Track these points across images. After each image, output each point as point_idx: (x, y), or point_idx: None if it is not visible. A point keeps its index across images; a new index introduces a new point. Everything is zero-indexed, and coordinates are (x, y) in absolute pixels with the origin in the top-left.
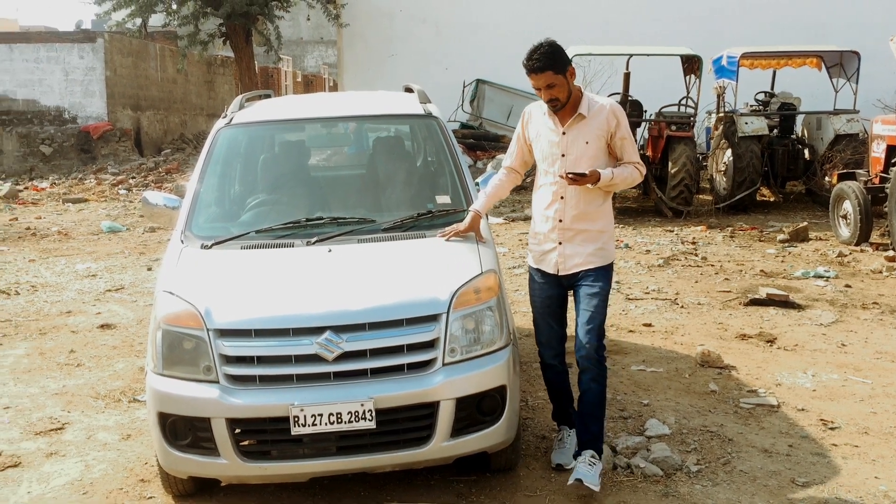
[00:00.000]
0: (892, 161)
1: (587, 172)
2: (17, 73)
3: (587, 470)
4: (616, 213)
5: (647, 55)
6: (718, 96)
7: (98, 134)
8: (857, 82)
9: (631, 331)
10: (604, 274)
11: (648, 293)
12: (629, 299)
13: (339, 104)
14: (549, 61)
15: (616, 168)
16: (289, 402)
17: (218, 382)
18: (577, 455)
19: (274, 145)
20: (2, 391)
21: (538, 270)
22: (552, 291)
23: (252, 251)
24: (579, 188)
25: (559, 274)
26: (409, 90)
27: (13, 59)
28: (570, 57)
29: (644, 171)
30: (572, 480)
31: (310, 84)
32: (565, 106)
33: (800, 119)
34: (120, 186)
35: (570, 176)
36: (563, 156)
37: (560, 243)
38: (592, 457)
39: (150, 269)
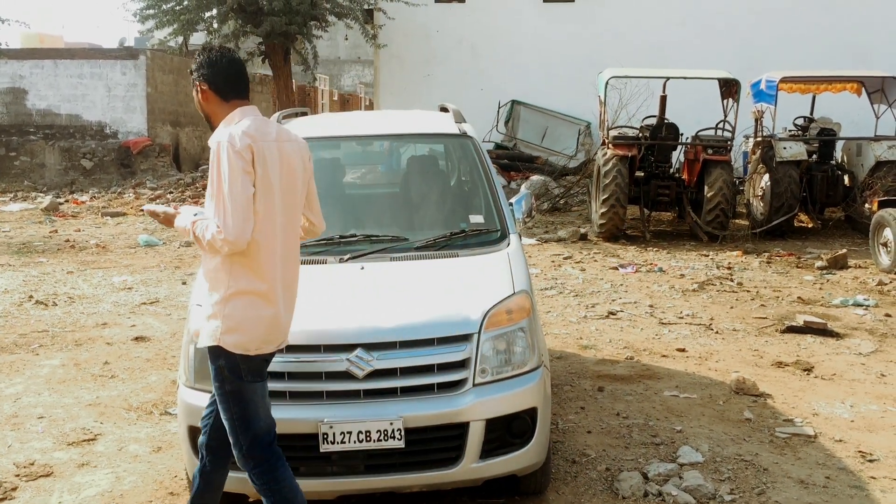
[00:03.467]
0: None
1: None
2: (61, 88)
3: None
4: (651, 235)
5: (685, 78)
6: (756, 120)
7: (138, 149)
8: None
9: (664, 355)
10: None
11: (682, 318)
12: (662, 323)
13: (374, 122)
14: None
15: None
16: (318, 419)
17: None
18: None
19: None
20: (36, 401)
21: None
22: None
23: None
24: None
25: None
26: (444, 110)
27: (58, 75)
28: (607, 78)
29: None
30: None
31: (346, 103)
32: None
33: (839, 145)
34: (157, 201)
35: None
36: None
37: None
38: None
39: (184, 283)
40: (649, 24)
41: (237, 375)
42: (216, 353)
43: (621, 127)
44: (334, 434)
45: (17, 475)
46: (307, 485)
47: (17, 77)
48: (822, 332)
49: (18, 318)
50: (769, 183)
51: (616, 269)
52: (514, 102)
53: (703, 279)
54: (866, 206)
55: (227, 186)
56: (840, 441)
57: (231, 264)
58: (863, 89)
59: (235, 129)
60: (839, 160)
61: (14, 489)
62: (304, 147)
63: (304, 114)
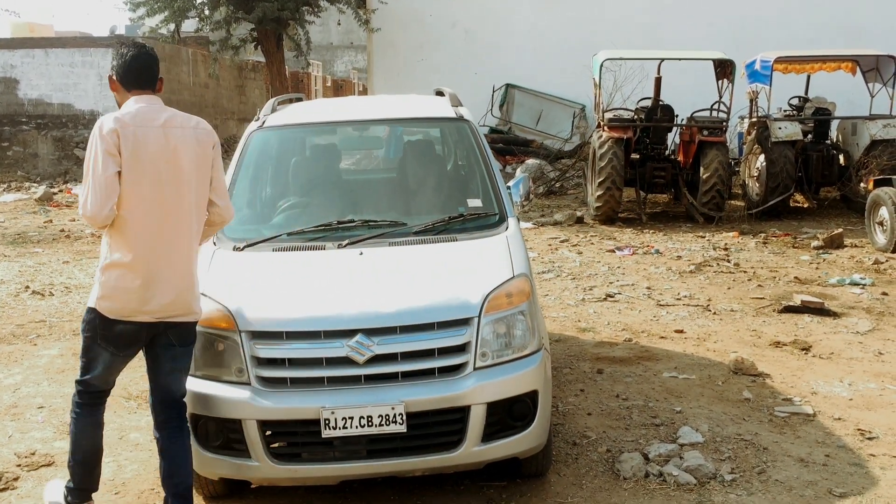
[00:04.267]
0: None
1: None
2: (52, 77)
3: None
4: (647, 217)
5: (679, 59)
6: (751, 101)
7: None
8: (893, 87)
9: (662, 337)
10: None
11: (680, 299)
12: (660, 305)
13: (370, 107)
14: None
15: None
16: (320, 405)
17: (249, 384)
18: None
19: (305, 148)
20: (36, 391)
21: None
22: None
23: (284, 253)
24: None
25: None
26: (440, 94)
27: (49, 64)
28: (601, 61)
29: None
30: None
31: (339, 89)
32: None
33: (835, 124)
34: None
35: None
36: None
37: None
38: None
39: None
40: (643, 6)
41: (93, 332)
42: (90, 311)
43: (616, 109)
44: (336, 420)
45: (19, 465)
46: (309, 470)
47: (7, 67)
48: (819, 311)
49: (15, 309)
50: (765, 163)
51: (613, 251)
52: (508, 86)
53: (699, 260)
54: (862, 185)
55: (91, 166)
56: (839, 419)
57: (108, 237)
58: (857, 68)
59: (110, 115)
60: (834, 139)
61: (16, 479)
62: (205, 133)
63: (300, 100)
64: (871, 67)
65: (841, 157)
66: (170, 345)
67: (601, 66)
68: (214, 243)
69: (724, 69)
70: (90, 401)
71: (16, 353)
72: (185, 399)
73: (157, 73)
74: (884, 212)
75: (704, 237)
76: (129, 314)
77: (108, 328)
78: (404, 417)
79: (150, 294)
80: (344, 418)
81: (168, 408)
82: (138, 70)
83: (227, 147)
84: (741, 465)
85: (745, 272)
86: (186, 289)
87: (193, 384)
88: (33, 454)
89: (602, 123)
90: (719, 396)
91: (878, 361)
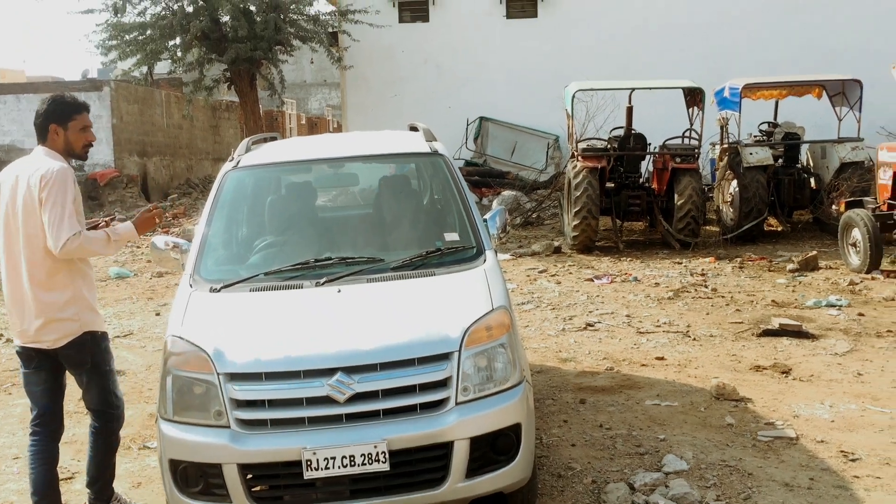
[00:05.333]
0: None
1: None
2: (24, 122)
3: None
4: (624, 245)
5: (650, 88)
6: (722, 127)
7: (105, 181)
8: (860, 110)
9: (644, 364)
10: None
11: (660, 326)
12: (640, 332)
13: (344, 144)
14: None
15: None
16: (301, 446)
17: (229, 427)
18: None
19: (281, 187)
20: (11, 441)
21: (107, 333)
22: None
23: (261, 293)
24: None
25: None
26: (413, 129)
27: (21, 110)
28: (573, 92)
29: None
30: None
31: (314, 126)
32: None
33: (804, 148)
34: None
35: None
36: None
37: None
38: None
39: (158, 315)
40: (612, 37)
41: None
42: None
43: (590, 139)
44: (318, 460)
45: None
46: None
47: None
48: (797, 334)
49: None
50: (737, 188)
51: (591, 280)
52: (482, 119)
53: (677, 287)
54: (833, 207)
55: None
56: (822, 442)
57: None
58: (824, 93)
59: None
60: (805, 163)
61: None
62: (35, 178)
63: (274, 138)
64: (838, 91)
65: (812, 181)
66: (67, 367)
67: (573, 97)
68: (191, 285)
69: (693, 97)
70: (32, 428)
71: None
72: (100, 408)
73: (44, 126)
74: (856, 233)
75: (681, 263)
76: (17, 339)
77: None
78: (387, 456)
79: (19, 322)
80: (326, 458)
81: (91, 415)
82: (36, 126)
83: (203, 187)
84: (726, 491)
85: (722, 297)
86: (47, 317)
87: (171, 429)
88: None
89: (576, 154)
90: (702, 423)
91: (858, 382)
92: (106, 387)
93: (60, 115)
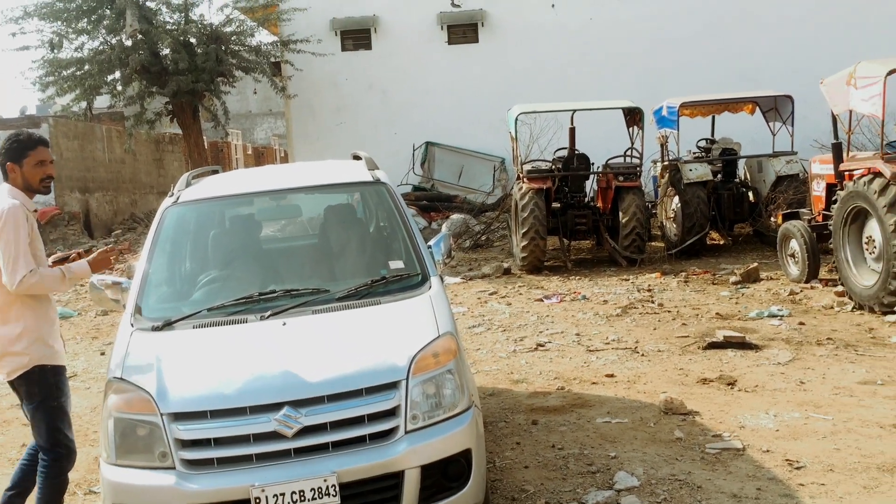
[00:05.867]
0: (833, 199)
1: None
2: None
3: None
4: (572, 264)
5: (590, 109)
6: (662, 145)
7: (46, 219)
8: (792, 125)
9: (594, 382)
10: None
11: (609, 343)
12: (590, 351)
13: (287, 176)
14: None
15: None
16: (249, 484)
17: (174, 468)
18: None
19: (224, 221)
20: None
21: (62, 368)
22: None
23: (205, 330)
24: None
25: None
26: (357, 157)
27: None
28: (516, 115)
29: None
30: None
31: (261, 156)
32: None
33: (741, 163)
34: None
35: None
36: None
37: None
38: None
39: (103, 354)
40: (553, 59)
41: None
42: None
43: (534, 161)
44: (267, 497)
45: None
46: None
47: None
48: (741, 345)
49: None
50: (679, 204)
51: (541, 300)
52: (428, 144)
53: (625, 303)
54: (772, 219)
55: None
56: (767, 451)
57: None
58: (757, 109)
59: None
60: (742, 178)
61: None
62: None
63: (216, 171)
64: (771, 107)
65: (750, 194)
66: (20, 400)
67: (516, 119)
68: (132, 324)
69: (633, 116)
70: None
71: None
72: (46, 446)
73: (1, 165)
74: (794, 244)
75: (628, 280)
76: None
77: None
78: (337, 489)
79: None
80: (275, 495)
81: (40, 451)
82: None
83: (148, 222)
84: None
85: (669, 312)
86: (2, 350)
87: (114, 474)
88: None
89: (521, 175)
90: (652, 438)
91: (801, 391)
92: (52, 424)
93: (15, 153)
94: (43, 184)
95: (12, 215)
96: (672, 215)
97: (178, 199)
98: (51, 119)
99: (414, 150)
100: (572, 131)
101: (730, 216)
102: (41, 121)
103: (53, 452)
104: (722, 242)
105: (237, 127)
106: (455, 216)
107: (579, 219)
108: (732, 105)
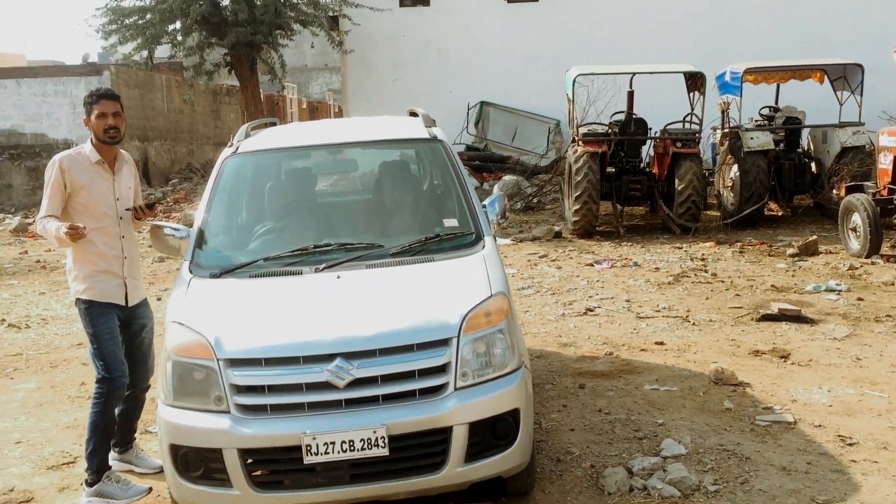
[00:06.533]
0: None
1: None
2: (25, 107)
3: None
4: (624, 230)
5: (651, 73)
6: (723, 112)
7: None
8: (861, 95)
9: (643, 349)
10: (149, 305)
11: (659, 311)
12: (640, 318)
13: (344, 130)
14: (118, 95)
15: None
16: (301, 431)
17: (229, 412)
18: (123, 451)
19: (280, 173)
20: (13, 425)
21: (108, 304)
22: (118, 323)
23: (260, 279)
24: (131, 228)
25: (128, 305)
26: (413, 114)
27: (21, 94)
28: (574, 76)
29: None
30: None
31: (315, 110)
32: (118, 142)
33: (805, 133)
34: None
35: (142, 209)
36: (118, 199)
37: (126, 278)
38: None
39: (159, 300)
40: (613, 21)
41: None
42: None
43: (590, 124)
44: (317, 445)
45: None
46: (292, 497)
47: None
48: (796, 318)
49: None
50: (738, 173)
51: (591, 265)
52: (483, 104)
53: (677, 272)
54: (834, 192)
55: None
56: (819, 426)
57: None
58: (825, 77)
59: None
60: (805, 148)
61: None
62: None
63: (273, 124)
64: (839, 76)
65: (813, 165)
66: None
67: (574, 81)
68: (191, 271)
69: (694, 81)
70: None
71: None
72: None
73: None
74: (856, 218)
75: (681, 248)
76: None
77: None
78: (386, 441)
79: None
80: (325, 444)
81: None
82: None
83: (204, 172)
84: (724, 475)
85: (722, 282)
86: None
87: (172, 414)
88: (11, 490)
89: (577, 138)
90: (701, 407)
91: (856, 367)
92: (93, 352)
93: (86, 108)
94: (107, 134)
95: (51, 165)
96: (730, 184)
97: (237, 149)
98: (112, 67)
99: (468, 110)
100: (630, 95)
101: (790, 187)
102: (103, 69)
103: (96, 380)
104: (780, 214)
105: (293, 81)
106: (507, 177)
107: (634, 184)
108: (799, 72)
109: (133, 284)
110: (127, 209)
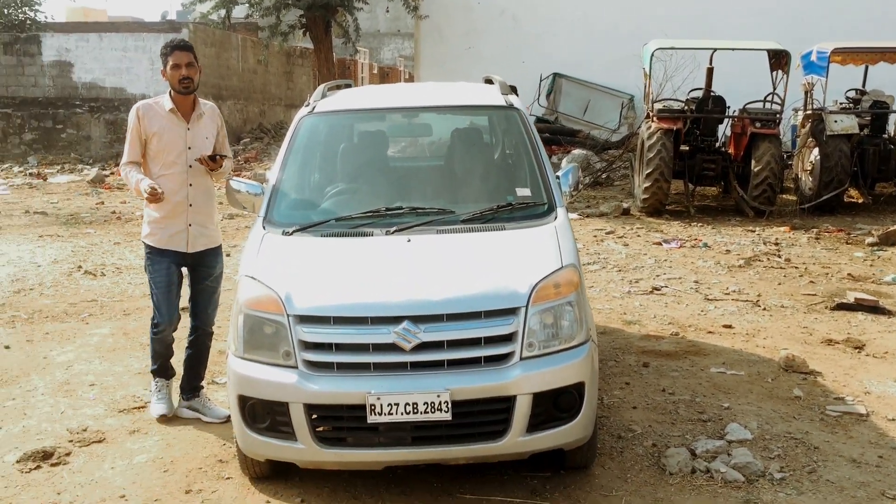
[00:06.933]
0: None
1: (217, 158)
2: (105, 61)
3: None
4: (695, 210)
5: (733, 49)
6: (806, 93)
7: None
8: None
9: (710, 332)
10: (221, 253)
11: (729, 294)
12: (708, 300)
13: (419, 94)
14: (192, 46)
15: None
16: (366, 391)
17: (297, 368)
18: (189, 398)
19: (354, 134)
20: (88, 368)
21: (167, 251)
22: (177, 270)
23: (332, 239)
24: (202, 177)
25: (188, 252)
26: (489, 81)
27: (102, 49)
28: (652, 50)
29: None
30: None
31: (385, 76)
32: (194, 93)
33: (893, 118)
34: None
35: (206, 160)
36: (189, 148)
37: (190, 225)
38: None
39: (228, 255)
40: None
41: None
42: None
43: (666, 100)
44: (381, 405)
45: (71, 441)
46: (354, 455)
47: (63, 50)
48: (873, 309)
49: (68, 288)
50: (819, 157)
51: (660, 244)
52: (555, 75)
53: (749, 255)
54: None
55: None
56: (893, 420)
57: None
58: None
59: None
60: (892, 134)
61: (68, 454)
62: None
63: (349, 86)
64: None
65: None
66: None
67: (652, 55)
68: (264, 227)
69: (778, 60)
70: None
71: (68, 331)
72: None
73: None
74: None
75: (754, 231)
76: None
77: None
78: (449, 405)
79: None
80: (389, 404)
81: None
82: None
83: (275, 133)
84: (791, 463)
85: (796, 268)
86: None
87: (241, 366)
88: (85, 430)
89: (651, 114)
90: (769, 394)
91: None
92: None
93: (161, 58)
94: (182, 84)
95: (131, 113)
96: (809, 168)
97: (313, 109)
98: (190, 25)
99: (541, 81)
100: (710, 71)
101: (873, 174)
102: (181, 26)
103: (151, 318)
104: (860, 201)
105: (365, 46)
106: (576, 151)
107: (708, 164)
108: (889, 54)
109: (197, 231)
110: (197, 159)
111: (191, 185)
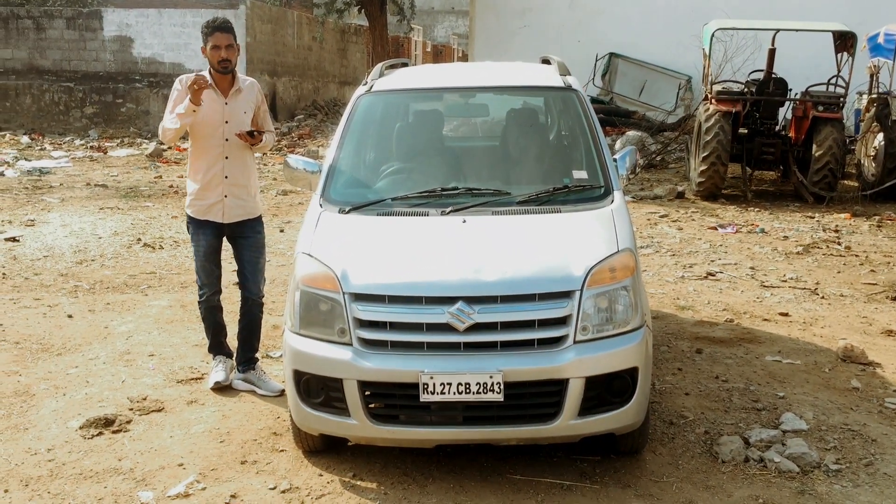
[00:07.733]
0: None
1: (255, 133)
2: (164, 37)
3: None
4: (752, 195)
5: (796, 30)
6: (872, 76)
7: None
8: None
9: (766, 319)
10: (260, 223)
11: (785, 281)
12: (764, 286)
13: (476, 74)
14: (232, 26)
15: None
16: (419, 370)
17: (351, 345)
18: (245, 370)
19: (410, 114)
20: (147, 339)
21: (205, 222)
22: (215, 240)
23: (388, 218)
24: (239, 151)
25: (224, 223)
26: (546, 62)
27: (161, 24)
28: (712, 31)
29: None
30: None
31: (439, 54)
32: (232, 72)
33: None
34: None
35: (244, 134)
36: (226, 122)
37: (225, 196)
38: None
39: (282, 231)
40: None
41: None
42: (261, 217)
43: (725, 81)
44: (434, 385)
45: (131, 409)
46: (406, 433)
47: (123, 26)
48: None
49: (128, 260)
50: (883, 143)
51: (715, 228)
52: (611, 55)
53: (808, 242)
54: None
55: None
56: None
57: None
58: None
59: None
60: None
61: (129, 422)
62: None
63: (405, 65)
64: None
65: None
66: None
67: (712, 35)
68: (321, 205)
69: (844, 42)
70: None
71: (128, 302)
72: None
73: None
74: None
75: (813, 217)
76: None
77: None
78: (502, 387)
79: None
80: (442, 384)
81: None
82: None
83: (329, 110)
84: (847, 455)
85: (856, 256)
86: None
87: (296, 342)
88: (145, 399)
89: (710, 96)
90: (825, 384)
91: None
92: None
93: (202, 37)
94: (221, 65)
95: (175, 83)
96: (873, 153)
97: (371, 87)
98: (248, 1)
99: (596, 61)
100: (772, 53)
101: None
102: (238, 2)
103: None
104: None
105: (419, 23)
106: (631, 133)
107: (767, 147)
108: None
109: (233, 203)
110: (237, 134)
111: (227, 157)
